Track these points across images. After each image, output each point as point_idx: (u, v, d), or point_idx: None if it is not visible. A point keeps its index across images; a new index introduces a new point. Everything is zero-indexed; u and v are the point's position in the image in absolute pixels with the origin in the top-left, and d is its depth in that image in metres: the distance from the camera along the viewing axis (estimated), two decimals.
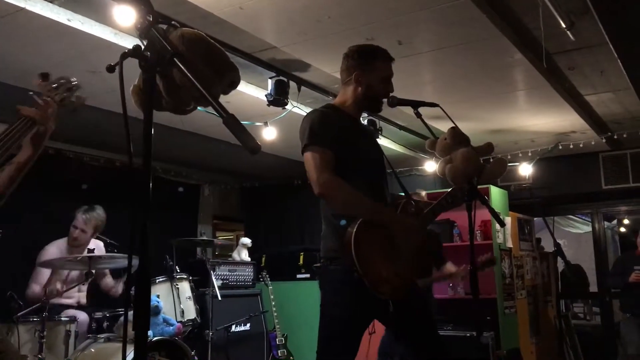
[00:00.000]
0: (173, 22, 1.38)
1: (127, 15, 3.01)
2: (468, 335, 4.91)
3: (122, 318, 4.09)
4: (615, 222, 9.48)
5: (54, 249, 4.32)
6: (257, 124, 5.02)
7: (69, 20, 3.28)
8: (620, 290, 5.64)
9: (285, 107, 4.40)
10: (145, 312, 1.18)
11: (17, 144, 2.04)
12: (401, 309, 2.41)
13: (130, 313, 1.19)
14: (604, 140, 6.20)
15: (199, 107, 1.51)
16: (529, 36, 3.87)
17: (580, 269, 7.97)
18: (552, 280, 7.11)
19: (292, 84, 4.38)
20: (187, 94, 1.34)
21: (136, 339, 1.13)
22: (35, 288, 4.16)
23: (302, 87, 4.49)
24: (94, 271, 3.93)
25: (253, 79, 4.42)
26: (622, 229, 9.61)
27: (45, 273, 4.22)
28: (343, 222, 2.34)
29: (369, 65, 2.52)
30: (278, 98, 4.25)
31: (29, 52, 3.64)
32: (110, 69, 1.21)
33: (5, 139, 2.00)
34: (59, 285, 3.97)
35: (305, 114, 2.56)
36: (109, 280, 4.59)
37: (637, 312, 5.35)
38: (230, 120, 1.17)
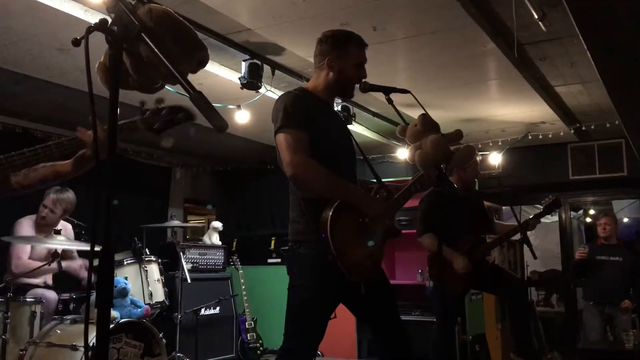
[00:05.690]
0: None
1: None
2: (434, 320, 4.98)
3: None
4: (581, 212, 9.67)
5: (27, 224, 4.23)
6: (230, 107, 4.98)
7: None
8: (579, 275, 5.80)
9: (259, 90, 4.37)
10: (109, 290, 1.17)
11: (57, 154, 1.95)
12: (369, 292, 2.44)
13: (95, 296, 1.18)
14: (572, 132, 6.31)
15: (167, 86, 1.50)
16: (502, 26, 3.91)
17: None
18: (518, 268, 7.23)
19: (266, 68, 4.35)
20: (155, 71, 1.33)
21: (98, 315, 1.12)
22: (24, 257, 4.12)
23: (276, 71, 4.46)
24: (59, 251, 3.87)
25: (226, 61, 4.37)
26: (588, 219, 9.80)
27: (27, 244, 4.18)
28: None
29: (342, 51, 2.52)
30: (251, 81, 4.21)
31: None
32: (76, 42, 1.19)
33: (48, 148, 1.94)
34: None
35: None
36: (74, 264, 4.42)
37: (599, 300, 5.50)
38: (198, 98, 1.16)
